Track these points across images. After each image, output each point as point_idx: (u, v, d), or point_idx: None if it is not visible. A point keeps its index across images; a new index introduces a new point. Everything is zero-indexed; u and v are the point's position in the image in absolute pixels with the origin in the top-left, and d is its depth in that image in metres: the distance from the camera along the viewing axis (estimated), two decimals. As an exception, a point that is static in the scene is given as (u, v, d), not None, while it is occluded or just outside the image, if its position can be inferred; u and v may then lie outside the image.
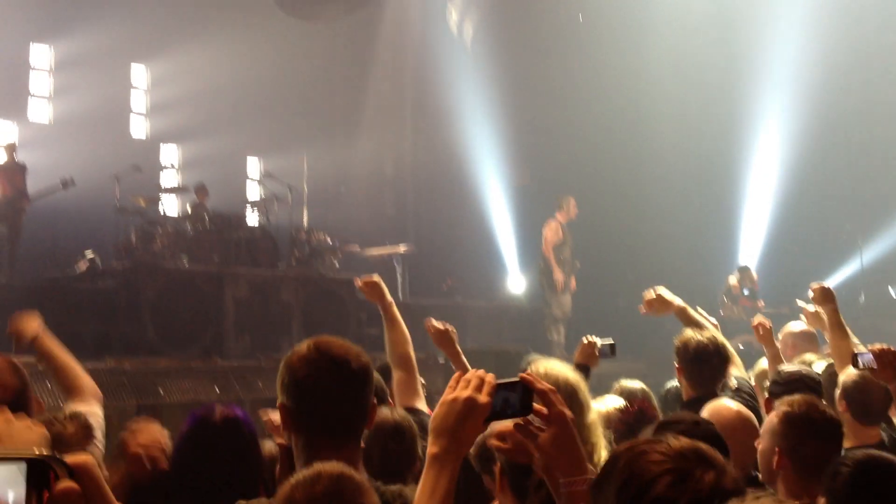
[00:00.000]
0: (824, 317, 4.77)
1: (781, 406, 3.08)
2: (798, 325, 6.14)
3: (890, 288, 14.14)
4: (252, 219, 13.64)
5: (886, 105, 14.29)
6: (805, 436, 2.90)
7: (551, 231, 11.37)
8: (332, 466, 1.90)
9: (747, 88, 15.28)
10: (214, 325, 10.99)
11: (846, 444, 3.70)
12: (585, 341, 4.52)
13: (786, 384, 3.77)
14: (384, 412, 3.28)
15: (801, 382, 3.79)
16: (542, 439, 1.83)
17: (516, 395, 1.84)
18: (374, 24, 18.05)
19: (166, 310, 10.52)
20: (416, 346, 11.94)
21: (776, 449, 2.91)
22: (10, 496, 0.97)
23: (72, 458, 1.13)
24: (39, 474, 0.99)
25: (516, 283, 16.60)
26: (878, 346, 3.69)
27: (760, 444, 3.04)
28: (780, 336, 5.83)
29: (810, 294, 4.83)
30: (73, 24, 15.26)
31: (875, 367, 3.58)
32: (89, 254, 11.55)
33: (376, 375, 3.90)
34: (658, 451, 1.52)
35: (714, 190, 16.08)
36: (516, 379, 1.87)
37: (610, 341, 4.58)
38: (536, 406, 1.85)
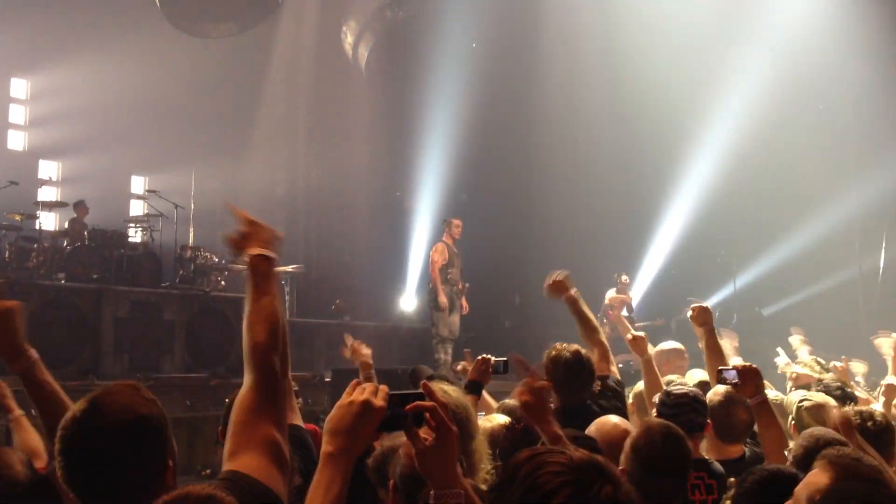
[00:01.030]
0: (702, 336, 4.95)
1: (637, 428, 3.19)
2: (669, 344, 6.39)
3: (761, 309, 14.81)
4: (135, 236, 13.27)
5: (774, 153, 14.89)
6: (647, 470, 2.96)
7: (437, 253, 11.48)
8: (201, 488, 1.77)
9: (659, 120, 15.67)
10: (92, 344, 10.62)
11: (711, 458, 3.85)
12: (480, 359, 4.57)
13: (673, 406, 3.85)
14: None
15: (687, 406, 3.87)
16: (423, 449, 1.87)
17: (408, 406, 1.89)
18: (268, 43, 17.89)
19: (42, 328, 10.10)
20: (303, 366, 11.81)
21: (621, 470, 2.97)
22: None
23: None
24: None
25: (407, 303, 16.65)
26: (740, 363, 3.86)
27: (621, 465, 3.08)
28: (652, 354, 6.01)
29: (689, 313, 4.97)
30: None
31: (738, 382, 3.73)
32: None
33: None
34: (558, 462, 1.55)
35: (603, 214, 16.52)
36: (412, 391, 1.91)
37: (503, 359, 4.65)
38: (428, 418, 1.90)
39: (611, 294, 13.27)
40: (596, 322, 5.00)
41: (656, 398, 4.03)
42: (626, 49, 15.47)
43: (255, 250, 2.35)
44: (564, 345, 4.44)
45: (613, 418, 3.69)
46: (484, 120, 16.97)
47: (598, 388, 4.45)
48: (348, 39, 18.78)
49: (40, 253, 11.61)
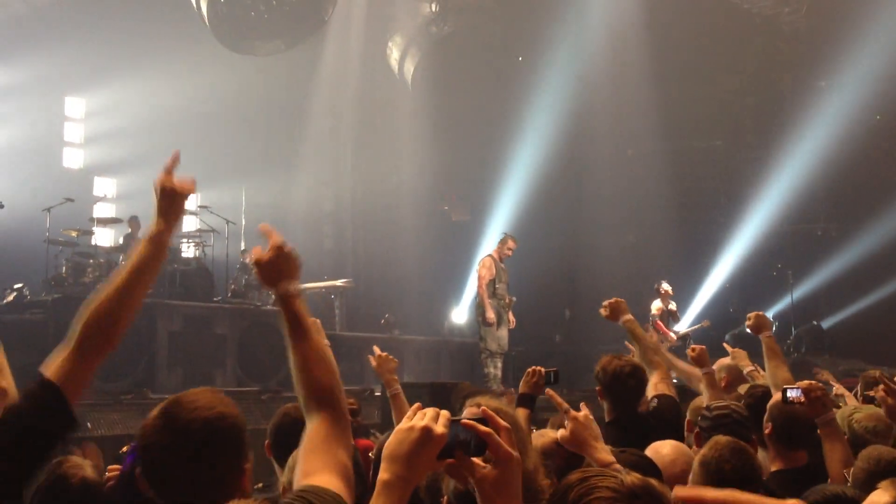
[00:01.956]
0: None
1: (702, 449, 3.13)
2: (728, 359, 6.28)
3: (820, 322, 14.53)
4: (188, 251, 13.45)
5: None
6: (717, 482, 2.88)
7: (484, 268, 11.43)
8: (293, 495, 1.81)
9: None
10: (146, 358, 10.75)
11: (773, 467, 3.76)
12: (531, 370, 4.49)
13: (714, 419, 3.79)
14: None
15: (728, 419, 3.80)
16: (484, 475, 1.79)
17: (472, 433, 1.80)
18: (315, 60, 18.07)
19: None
20: (353, 380, 11.86)
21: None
22: None
23: None
24: None
25: (458, 317, 16.65)
26: (805, 381, 3.77)
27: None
28: (715, 368, 5.93)
29: (746, 323, 4.96)
30: (7, 54, 15.02)
31: (803, 400, 3.64)
32: (17, 285, 11.25)
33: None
34: (609, 486, 1.49)
35: (654, 226, 16.40)
36: (473, 417, 1.83)
37: (554, 369, 4.60)
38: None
39: (657, 305, 13.11)
40: (655, 344, 4.95)
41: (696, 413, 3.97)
42: (676, 56, 15.37)
43: (285, 286, 2.22)
44: (613, 355, 4.40)
45: (670, 443, 3.58)
46: (531, 131, 16.95)
47: (655, 404, 4.38)
48: (394, 55, 18.89)
49: (96, 268, 11.81)
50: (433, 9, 17.98)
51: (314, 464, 2.01)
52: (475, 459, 1.80)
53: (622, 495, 1.47)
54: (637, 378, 4.31)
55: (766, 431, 3.79)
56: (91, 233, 12.52)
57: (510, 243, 11.54)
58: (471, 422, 1.81)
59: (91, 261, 11.95)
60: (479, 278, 11.37)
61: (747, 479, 2.96)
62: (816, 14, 15.53)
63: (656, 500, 1.48)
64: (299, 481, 1.97)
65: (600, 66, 16.28)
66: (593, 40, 16.52)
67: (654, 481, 1.54)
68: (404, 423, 1.80)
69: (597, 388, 4.39)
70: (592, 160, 16.47)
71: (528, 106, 17.18)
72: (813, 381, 3.75)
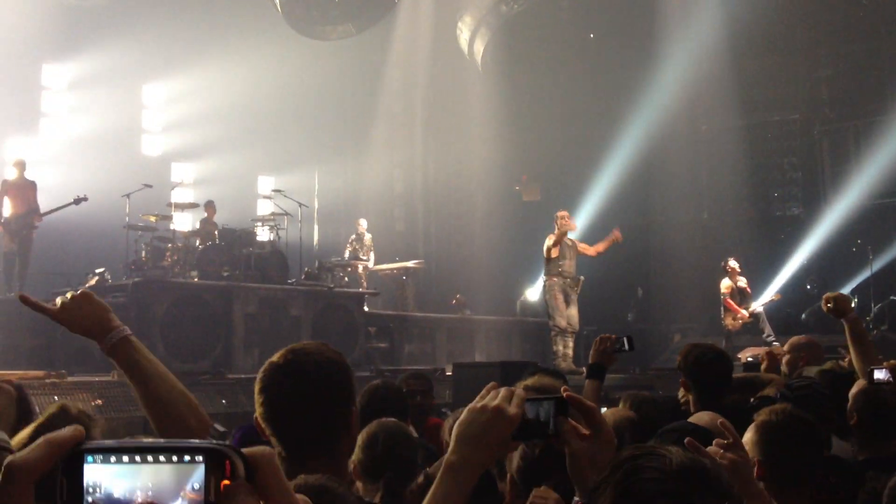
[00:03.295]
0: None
1: (760, 416, 3.04)
2: (804, 337, 6.08)
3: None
4: (262, 235, 13.71)
5: None
6: (781, 444, 2.81)
7: (548, 242, 11.41)
8: (314, 479, 1.82)
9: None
10: (223, 340, 11.01)
11: (861, 456, 3.65)
12: (599, 338, 4.34)
13: (795, 397, 3.68)
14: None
15: (810, 390, 3.70)
16: (580, 450, 1.73)
17: (548, 414, 1.71)
18: (385, 43, 18.16)
19: (176, 324, 10.54)
20: (425, 360, 11.97)
21: (756, 459, 2.86)
22: (189, 486, 0.98)
23: (250, 450, 1.09)
24: (217, 465, 1.00)
25: (530, 296, 16.61)
26: (893, 361, 3.64)
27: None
28: (785, 348, 5.77)
29: (826, 305, 4.48)
30: (85, 44, 15.45)
31: (892, 380, 3.52)
32: (98, 270, 11.61)
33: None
34: (657, 467, 1.41)
35: (728, 201, 16.09)
36: (552, 395, 1.75)
37: (627, 335, 4.44)
38: (574, 424, 1.75)
39: (726, 283, 12.82)
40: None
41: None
42: (750, 29, 15.00)
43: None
44: (694, 343, 4.26)
45: (708, 413, 3.43)
46: (602, 110, 16.76)
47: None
48: (464, 35, 18.84)
49: (174, 252, 12.11)
50: (503, -13, 17.89)
51: None
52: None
53: (669, 478, 1.38)
54: (724, 363, 4.08)
55: (852, 423, 3.68)
56: (169, 218, 12.83)
57: (560, 215, 11.46)
58: (576, 395, 1.75)
59: (170, 245, 12.26)
60: (546, 251, 11.38)
61: (806, 441, 2.90)
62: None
63: (708, 481, 1.39)
64: None
65: (674, 41, 15.96)
66: (666, 15, 16.22)
67: (706, 460, 1.49)
68: (476, 403, 1.73)
69: (681, 380, 4.14)
70: (666, 137, 16.20)
71: (600, 84, 16.97)
72: None
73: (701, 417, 3.37)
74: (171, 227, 12.80)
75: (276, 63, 16.72)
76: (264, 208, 16.01)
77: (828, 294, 4.56)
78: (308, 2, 17.50)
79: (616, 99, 16.57)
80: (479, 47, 18.81)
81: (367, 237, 15.06)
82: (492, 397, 1.71)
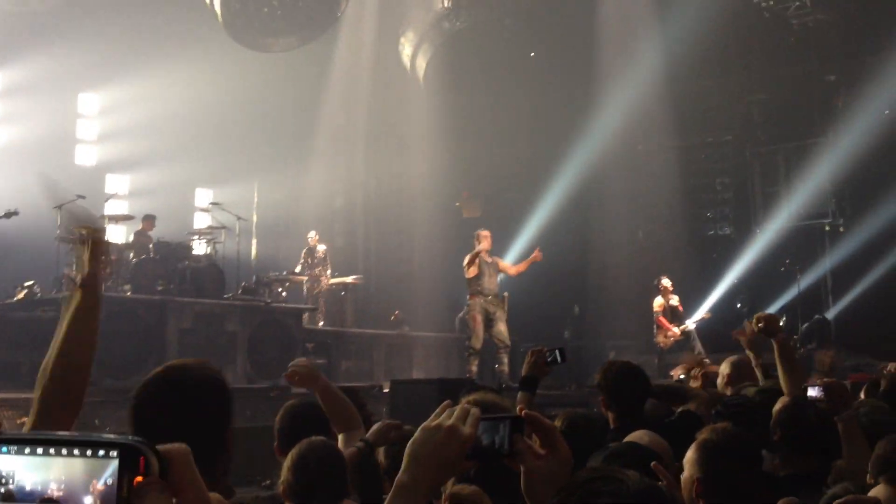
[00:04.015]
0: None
1: (702, 434, 3.10)
2: (737, 357, 6.22)
3: (825, 314, 14.52)
4: (198, 248, 13.54)
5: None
6: (721, 463, 2.87)
7: (466, 264, 11.52)
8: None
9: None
10: (157, 356, 10.81)
11: (783, 472, 3.75)
12: (532, 351, 4.37)
13: (731, 412, 3.79)
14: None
15: (745, 407, 3.80)
16: (536, 469, 1.71)
17: (504, 433, 1.68)
18: (327, 56, 18.12)
19: (107, 340, 10.33)
20: (362, 377, 11.90)
21: (696, 478, 2.91)
22: (101, 481, 0.97)
23: (165, 447, 1.07)
24: (131, 461, 0.99)
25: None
26: (826, 379, 3.76)
27: (683, 474, 3.02)
28: (720, 368, 5.90)
29: (755, 325, 4.60)
30: (19, 51, 15.13)
31: (824, 399, 3.64)
32: (27, 283, 11.35)
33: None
34: (614, 491, 1.42)
35: (665, 220, 16.39)
36: (508, 415, 1.72)
37: (559, 347, 4.41)
38: (529, 444, 1.73)
39: (658, 301, 13.10)
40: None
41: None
42: (686, 51, 15.36)
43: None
44: (611, 360, 4.35)
45: (646, 433, 3.51)
46: (543, 128, 16.95)
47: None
48: (406, 51, 18.91)
49: (107, 265, 11.90)
50: (445, 4, 18.01)
51: None
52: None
53: (626, 500, 1.39)
54: (643, 379, 4.20)
55: (775, 437, 3.78)
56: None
57: (482, 234, 11.61)
58: (536, 414, 1.72)
59: (102, 258, 12.05)
60: (463, 268, 11.48)
61: (747, 459, 2.97)
62: (825, 9, 15.47)
63: None
64: None
65: (612, 62, 16.25)
66: (604, 35, 16.50)
67: (660, 484, 1.50)
68: (430, 422, 1.69)
69: (600, 398, 4.21)
70: (605, 156, 16.44)
71: (540, 102, 17.17)
72: (834, 379, 3.73)
73: (641, 438, 3.45)
74: (105, 239, 12.55)
75: (216, 74, 16.56)
76: (201, 221, 15.84)
77: (758, 314, 4.68)
78: (249, 13, 17.37)
79: (556, 118, 16.77)
80: (421, 63, 18.89)
81: (321, 249, 14.95)
82: (446, 416, 1.68)
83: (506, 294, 11.68)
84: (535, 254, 11.64)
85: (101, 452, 0.95)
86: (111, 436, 0.98)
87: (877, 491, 2.21)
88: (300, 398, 4.49)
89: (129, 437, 0.99)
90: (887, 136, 13.96)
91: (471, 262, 11.36)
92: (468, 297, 11.55)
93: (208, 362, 2.26)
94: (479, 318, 11.31)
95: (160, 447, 1.01)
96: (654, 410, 4.48)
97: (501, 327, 11.45)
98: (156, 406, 2.10)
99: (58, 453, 0.94)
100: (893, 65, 13.73)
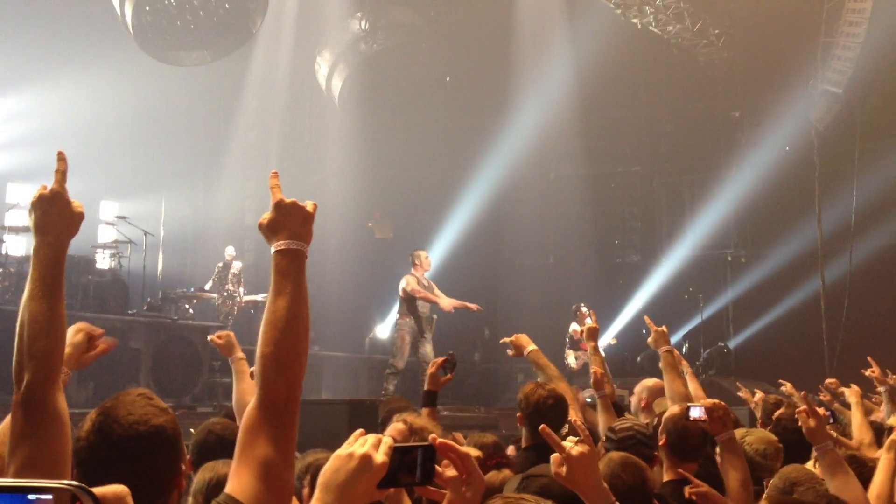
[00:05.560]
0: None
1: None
2: (652, 380, 6.43)
3: (727, 342, 14.98)
4: (102, 262, 13.15)
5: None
6: (614, 492, 2.96)
7: (409, 283, 11.47)
8: None
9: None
10: (55, 372, 10.45)
11: (666, 477, 3.89)
12: (431, 368, 4.66)
13: (619, 441, 3.91)
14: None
15: (633, 439, 3.93)
16: (453, 495, 1.75)
17: (417, 460, 1.70)
18: (241, 72, 17.92)
19: (5, 354, 9.92)
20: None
21: None
22: None
23: (101, 490, 1.01)
24: None
25: (380, 333, 16.63)
26: (709, 401, 3.91)
27: None
28: (636, 389, 6.11)
29: (648, 339, 5.31)
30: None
31: (706, 418, 3.77)
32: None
33: (229, 427, 3.82)
34: None
35: (573, 246, 16.69)
36: (420, 444, 1.74)
37: (445, 357, 4.73)
38: (444, 470, 1.77)
39: (573, 327, 13.33)
40: (557, 372, 5.00)
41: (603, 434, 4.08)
42: (598, 82, 15.75)
43: (280, 243, 2.01)
44: (538, 383, 4.48)
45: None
46: (456, 152, 17.12)
47: (566, 430, 4.46)
48: (322, 70, 18.84)
49: (6, 278, 11.49)
50: (363, 26, 18.03)
51: (235, 463, 1.83)
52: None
53: None
54: (559, 409, 4.37)
55: (661, 443, 3.93)
56: (1, 241, 12.16)
57: (420, 254, 11.61)
58: (449, 442, 1.74)
59: (1, 269, 11.61)
60: (413, 291, 11.36)
61: (638, 493, 3.04)
62: (731, 47, 16.11)
63: None
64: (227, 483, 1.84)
65: (526, 90, 16.55)
66: (519, 63, 16.80)
67: None
68: (343, 450, 1.69)
69: (518, 413, 4.47)
70: (517, 182, 16.70)
71: (454, 126, 17.35)
72: (716, 401, 3.87)
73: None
74: (3, 251, 12.12)
75: (125, 85, 16.18)
76: (106, 235, 15.38)
77: (654, 328, 5.31)
78: (161, 26, 17.01)
79: (469, 142, 16.98)
80: (336, 83, 18.84)
81: (236, 266, 14.65)
82: (359, 444, 1.68)
83: (434, 316, 11.70)
84: (474, 306, 11.66)
85: (33, 497, 0.94)
86: (45, 481, 0.97)
87: None
88: (217, 419, 4.44)
89: (64, 483, 0.97)
90: (787, 171, 14.58)
91: (411, 282, 11.34)
92: (399, 316, 11.50)
93: (153, 400, 2.08)
94: (408, 339, 11.28)
95: (97, 491, 0.99)
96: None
97: (428, 349, 11.45)
98: (101, 465, 1.98)
99: None
100: (793, 103, 14.39)
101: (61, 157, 2.37)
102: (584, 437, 2.41)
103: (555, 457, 2.39)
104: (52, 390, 2.11)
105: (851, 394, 5.49)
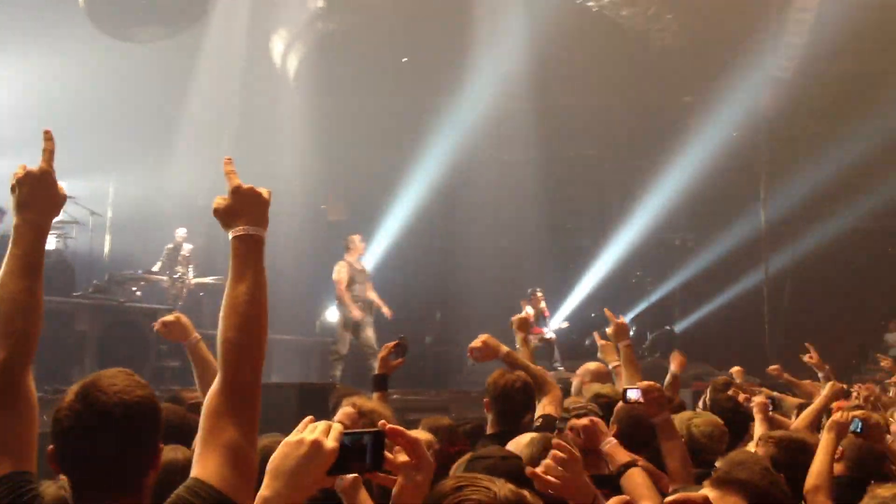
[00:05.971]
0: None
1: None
2: (594, 364, 6.51)
3: (672, 326, 15.20)
4: (48, 243, 12.92)
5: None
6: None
7: (337, 273, 11.51)
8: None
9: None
10: (-2, 355, 10.26)
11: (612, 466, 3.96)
12: (383, 352, 4.64)
13: (573, 416, 3.97)
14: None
15: (585, 411, 4.01)
16: (408, 486, 1.77)
17: (367, 446, 1.70)
18: (195, 49, 17.63)
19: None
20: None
21: None
22: None
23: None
24: None
25: (332, 316, 16.57)
26: (645, 382, 3.98)
27: None
28: (577, 372, 6.19)
29: (607, 330, 5.34)
30: None
31: (642, 401, 3.84)
32: None
33: (176, 412, 3.80)
34: (482, 500, 1.48)
35: (526, 230, 16.77)
36: (370, 430, 1.74)
37: (396, 342, 4.68)
38: (395, 456, 1.79)
39: (528, 310, 13.44)
40: (539, 371, 4.84)
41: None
42: (553, 65, 15.79)
43: (238, 229, 2.10)
44: (505, 370, 4.51)
45: (529, 435, 3.68)
46: (411, 134, 17.07)
47: (539, 423, 4.46)
48: (278, 49, 18.63)
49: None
50: (320, 4, 17.85)
51: (200, 447, 1.82)
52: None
53: None
54: (526, 394, 4.42)
55: (612, 432, 3.98)
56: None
57: (353, 239, 11.64)
58: (399, 428, 1.76)
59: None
60: (336, 283, 11.41)
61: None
62: (684, 33, 16.23)
63: None
64: (192, 468, 1.83)
65: (481, 71, 16.52)
66: (475, 45, 16.76)
67: (526, 493, 1.55)
68: (293, 437, 1.70)
69: (485, 399, 4.48)
70: (471, 164, 16.71)
71: (410, 107, 17.28)
72: (652, 383, 3.94)
73: (519, 442, 3.54)
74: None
75: (73, 60, 15.78)
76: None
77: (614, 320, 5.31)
78: (114, 1, 16.70)
79: (425, 123, 16.93)
80: (292, 62, 18.66)
81: (187, 248, 14.46)
82: (309, 431, 1.69)
83: (372, 301, 11.72)
84: (389, 313, 11.69)
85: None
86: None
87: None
88: (166, 403, 4.39)
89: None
90: (735, 157, 14.78)
91: (338, 270, 11.34)
92: (337, 302, 11.51)
93: (134, 376, 2.07)
94: (360, 317, 11.33)
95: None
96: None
97: (370, 333, 11.49)
98: (81, 441, 1.95)
99: None
100: (742, 89, 14.56)
101: (48, 136, 2.42)
102: (570, 457, 2.47)
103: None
104: (25, 371, 2.15)
105: (757, 408, 5.30)
